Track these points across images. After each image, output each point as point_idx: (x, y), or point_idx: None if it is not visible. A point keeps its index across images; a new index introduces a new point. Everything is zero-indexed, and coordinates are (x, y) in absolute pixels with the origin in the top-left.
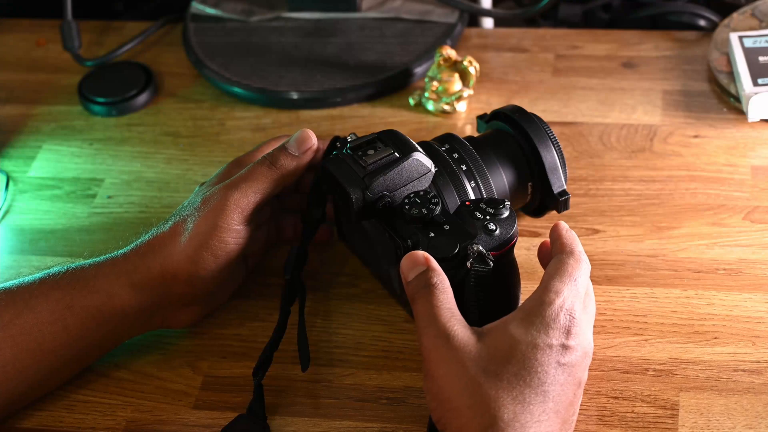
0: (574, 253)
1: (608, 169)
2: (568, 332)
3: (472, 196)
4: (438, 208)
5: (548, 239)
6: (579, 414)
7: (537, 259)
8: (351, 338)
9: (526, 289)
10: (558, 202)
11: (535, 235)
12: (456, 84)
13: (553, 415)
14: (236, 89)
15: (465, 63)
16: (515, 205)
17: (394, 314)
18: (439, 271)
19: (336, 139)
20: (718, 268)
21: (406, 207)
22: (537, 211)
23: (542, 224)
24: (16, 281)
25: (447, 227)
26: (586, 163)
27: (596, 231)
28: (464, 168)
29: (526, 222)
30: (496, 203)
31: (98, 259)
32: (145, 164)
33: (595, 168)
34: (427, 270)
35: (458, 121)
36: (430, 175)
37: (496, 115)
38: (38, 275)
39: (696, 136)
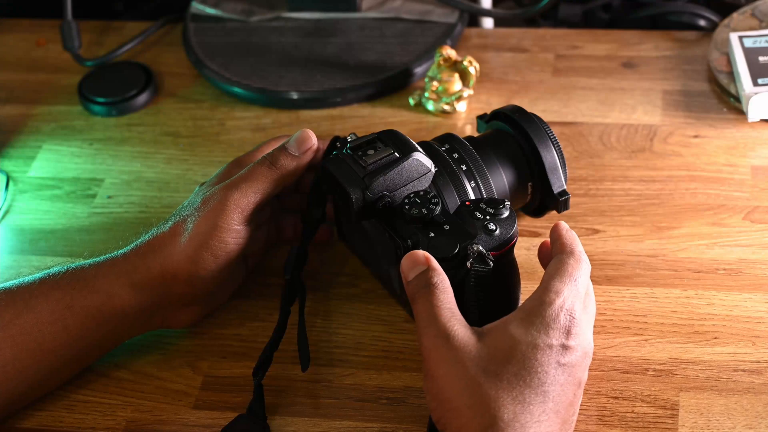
0: (575, 253)
1: (608, 169)
2: (568, 332)
3: (472, 196)
4: (438, 208)
5: (548, 239)
6: (579, 414)
7: (537, 259)
8: (351, 338)
9: (526, 289)
10: (558, 202)
11: (535, 235)
12: (456, 84)
13: (553, 415)
14: (236, 89)
15: (465, 63)
16: (515, 205)
17: (394, 314)
18: (440, 270)
19: (336, 139)
20: (718, 268)
21: (406, 207)
22: (537, 211)
23: (542, 224)
24: (16, 281)
25: (447, 227)
26: (586, 163)
27: (596, 231)
28: (464, 168)
29: (526, 222)
30: (496, 203)
31: (98, 259)
32: (145, 164)
33: (595, 168)
34: (428, 270)
35: (458, 121)
36: (430, 175)
37: (496, 115)
38: (38, 275)
39: (696, 136)
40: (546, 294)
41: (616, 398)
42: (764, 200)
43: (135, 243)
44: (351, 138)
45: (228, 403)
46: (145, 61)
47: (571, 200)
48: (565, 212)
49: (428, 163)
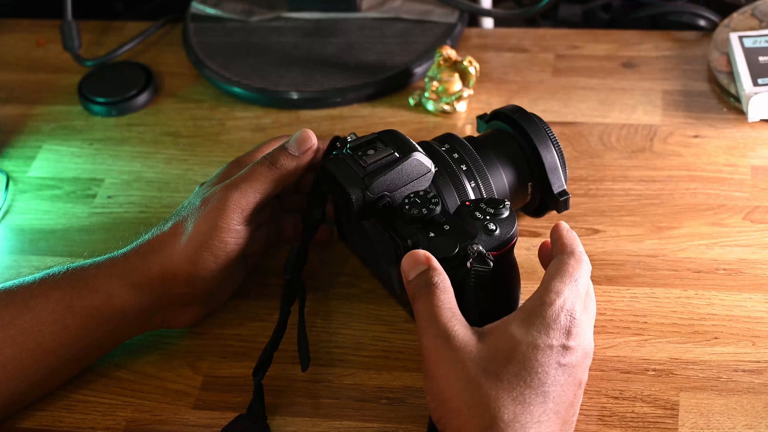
0: (575, 253)
1: (608, 169)
2: (568, 333)
3: (472, 196)
4: (438, 208)
5: (549, 239)
6: (579, 414)
7: (537, 259)
8: (351, 338)
9: (526, 289)
10: (558, 202)
11: (535, 235)
12: (456, 84)
13: (554, 415)
14: (236, 89)
15: (465, 63)
16: (515, 205)
17: (394, 314)
18: (440, 270)
19: (336, 139)
20: (718, 268)
21: (406, 207)
22: (537, 211)
23: (542, 224)
24: (16, 281)
25: (447, 227)
26: (586, 163)
27: (596, 231)
28: (464, 168)
29: (526, 222)
30: (496, 203)
31: (98, 259)
32: (145, 164)
33: (595, 168)
34: (428, 269)
35: (458, 121)
36: (430, 175)
37: (496, 115)
38: (38, 275)
39: (696, 136)
40: (546, 294)
41: (616, 398)
42: (764, 200)
43: (135, 243)
44: (351, 138)
45: (228, 403)
46: (145, 61)
47: (571, 200)
48: (565, 212)
49: (428, 163)
